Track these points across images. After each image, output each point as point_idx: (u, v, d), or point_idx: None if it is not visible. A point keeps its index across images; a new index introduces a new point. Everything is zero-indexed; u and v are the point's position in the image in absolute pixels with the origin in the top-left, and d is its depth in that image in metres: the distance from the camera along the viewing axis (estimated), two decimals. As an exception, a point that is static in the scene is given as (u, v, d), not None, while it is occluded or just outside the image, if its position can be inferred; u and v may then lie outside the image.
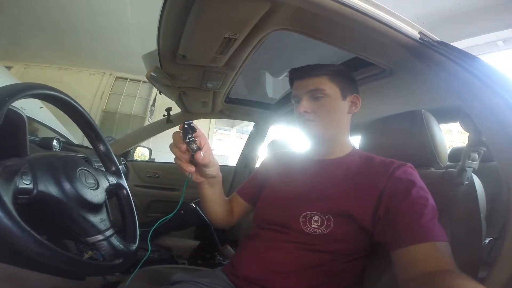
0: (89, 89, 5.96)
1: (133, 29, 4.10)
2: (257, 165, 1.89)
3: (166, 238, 1.48)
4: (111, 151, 0.66)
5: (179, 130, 0.55)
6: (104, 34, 4.51)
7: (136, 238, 0.61)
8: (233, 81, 1.12)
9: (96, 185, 0.53)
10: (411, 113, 0.71)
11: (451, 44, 0.59)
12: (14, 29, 4.41)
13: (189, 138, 0.53)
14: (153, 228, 0.58)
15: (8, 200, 0.34)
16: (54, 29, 4.43)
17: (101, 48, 5.04)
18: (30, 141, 0.56)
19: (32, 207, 0.41)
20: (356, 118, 0.71)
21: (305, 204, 0.61)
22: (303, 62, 0.70)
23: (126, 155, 1.76)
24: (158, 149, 2.29)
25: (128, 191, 0.67)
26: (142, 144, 1.90)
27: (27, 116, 0.56)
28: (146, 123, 5.91)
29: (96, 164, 0.87)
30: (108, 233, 0.51)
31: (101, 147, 0.65)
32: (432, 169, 0.69)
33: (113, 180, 0.62)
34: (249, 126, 4.36)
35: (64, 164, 0.48)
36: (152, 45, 0.90)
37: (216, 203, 0.70)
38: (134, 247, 0.58)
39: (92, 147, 0.65)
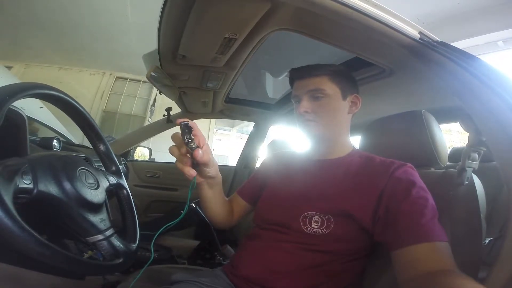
0: (89, 89, 5.96)
1: (134, 29, 4.11)
2: (257, 165, 1.89)
3: (166, 238, 1.48)
4: (111, 151, 0.66)
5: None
6: (105, 34, 4.52)
7: (136, 238, 0.61)
8: (233, 81, 1.12)
9: (96, 185, 0.53)
10: (411, 113, 0.71)
11: (451, 44, 0.59)
12: (15, 29, 4.41)
13: (187, 139, 0.52)
14: (157, 234, 0.57)
15: (8, 199, 0.34)
16: (54, 29, 4.44)
17: (101, 48, 5.05)
18: (30, 141, 0.56)
19: (32, 207, 0.41)
20: (356, 118, 0.71)
21: (305, 204, 0.61)
22: (303, 62, 0.70)
23: (126, 155, 1.76)
24: (158, 149, 2.29)
25: (128, 191, 0.67)
26: (142, 144, 1.90)
27: (27, 116, 0.56)
28: (146, 123, 5.91)
29: (96, 164, 0.87)
30: (108, 232, 0.51)
31: (101, 147, 0.65)
32: (432, 169, 0.69)
33: (113, 180, 0.62)
34: (249, 126, 4.36)
35: (65, 163, 0.49)
36: (152, 45, 0.90)
37: (216, 204, 0.70)
38: (134, 247, 0.58)
39: (92, 147, 0.65)
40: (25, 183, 0.39)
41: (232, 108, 1.56)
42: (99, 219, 0.51)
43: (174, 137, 0.55)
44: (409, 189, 0.53)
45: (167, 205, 1.79)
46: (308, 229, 0.58)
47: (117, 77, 6.26)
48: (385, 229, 0.53)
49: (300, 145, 1.21)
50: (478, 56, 0.56)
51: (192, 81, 1.10)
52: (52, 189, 0.44)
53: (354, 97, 0.69)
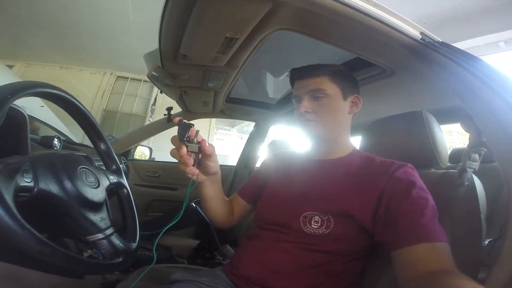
0: (90, 88, 5.97)
1: (135, 28, 4.11)
2: (258, 165, 1.89)
3: (166, 237, 1.48)
4: (112, 150, 0.66)
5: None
6: (105, 33, 4.52)
7: (136, 237, 0.61)
8: (234, 81, 1.12)
9: (97, 184, 0.53)
10: (412, 114, 0.71)
11: (452, 45, 0.59)
12: (16, 28, 4.42)
13: (187, 137, 0.52)
14: (159, 236, 0.57)
15: (9, 197, 0.34)
16: (55, 28, 4.45)
17: (102, 47, 5.05)
18: (31, 139, 0.57)
19: (33, 205, 0.41)
20: (356, 118, 0.71)
21: (305, 204, 0.61)
22: (304, 62, 0.70)
23: (127, 154, 1.76)
24: (158, 148, 2.30)
25: (129, 190, 0.67)
26: (142, 143, 1.91)
27: (28, 114, 0.56)
28: (147, 122, 5.92)
29: (96, 163, 0.87)
30: (108, 231, 0.51)
31: (102, 146, 0.65)
32: (433, 170, 0.69)
33: (113, 179, 0.62)
34: (249, 126, 4.37)
35: (65, 162, 0.49)
36: (153, 44, 0.90)
37: (216, 202, 0.70)
38: (134, 246, 0.58)
39: (93, 146, 0.65)
40: (26, 181, 0.39)
41: (233, 107, 1.56)
42: (99, 218, 0.51)
43: (173, 140, 0.55)
44: (409, 189, 0.53)
45: (167, 204, 1.79)
46: (308, 229, 0.58)
47: (118, 77, 6.26)
48: (385, 229, 0.53)
49: (300, 145, 1.22)
50: (479, 57, 0.56)
51: (193, 80, 1.10)
52: (52, 187, 0.44)
53: (354, 97, 0.69)
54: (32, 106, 1.57)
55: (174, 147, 0.56)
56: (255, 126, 1.92)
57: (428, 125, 0.68)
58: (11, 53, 5.28)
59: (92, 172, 0.54)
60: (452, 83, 0.56)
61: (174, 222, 0.57)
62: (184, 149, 0.53)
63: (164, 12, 0.69)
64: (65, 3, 3.85)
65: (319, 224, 0.57)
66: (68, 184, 0.46)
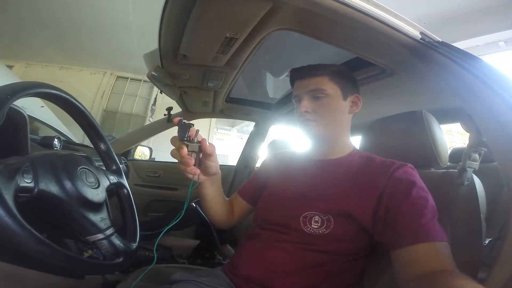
0: (90, 88, 5.98)
1: (135, 28, 4.11)
2: (258, 165, 1.89)
3: (166, 237, 1.48)
4: (112, 150, 0.66)
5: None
6: (105, 33, 4.53)
7: (136, 237, 0.61)
8: (234, 81, 1.12)
9: (97, 184, 0.53)
10: (412, 114, 0.71)
11: (452, 44, 0.59)
12: (16, 28, 4.42)
13: (187, 137, 0.52)
14: (159, 236, 0.57)
15: (9, 198, 0.34)
16: (55, 28, 4.45)
17: (102, 47, 5.06)
18: (31, 140, 0.56)
19: (33, 206, 0.41)
20: (356, 118, 0.71)
21: (305, 204, 0.61)
22: (304, 62, 0.70)
23: (127, 154, 1.76)
24: (158, 149, 2.29)
25: (129, 190, 0.67)
26: (142, 143, 1.90)
27: (28, 115, 0.56)
28: (147, 122, 5.92)
29: (96, 163, 0.87)
30: (109, 232, 0.51)
31: (102, 146, 0.65)
32: (433, 170, 0.69)
33: (113, 179, 0.62)
34: (249, 126, 4.36)
35: (65, 162, 0.49)
36: (153, 44, 0.90)
37: (216, 202, 0.70)
38: (134, 246, 0.58)
39: (93, 146, 0.65)
40: (26, 182, 0.39)
41: (233, 107, 1.56)
42: (100, 218, 0.51)
43: (173, 140, 0.55)
44: (409, 189, 0.53)
45: (167, 205, 1.79)
46: (308, 229, 0.58)
47: (118, 77, 6.27)
48: (385, 229, 0.53)
49: (300, 145, 1.21)
50: (479, 57, 0.56)
51: (193, 80, 1.10)
52: (52, 188, 0.44)
53: (354, 97, 0.69)
54: (32, 107, 1.57)
55: (174, 147, 0.56)
56: (255, 126, 1.92)
57: (428, 125, 0.68)
58: (11, 53, 5.28)
59: (92, 172, 0.54)
60: (452, 83, 0.56)
61: (175, 222, 0.57)
62: (185, 149, 0.53)
63: (164, 12, 0.69)
64: (65, 3, 3.85)
65: (319, 224, 0.57)
66: (68, 185, 0.46)
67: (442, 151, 0.68)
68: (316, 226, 0.57)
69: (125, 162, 1.66)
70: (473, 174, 0.59)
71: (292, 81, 0.71)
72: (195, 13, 0.65)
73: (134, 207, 0.66)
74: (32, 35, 4.69)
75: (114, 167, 0.66)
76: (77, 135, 1.97)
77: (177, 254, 1.35)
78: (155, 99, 6.22)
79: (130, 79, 6.28)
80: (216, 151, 0.59)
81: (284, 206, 0.64)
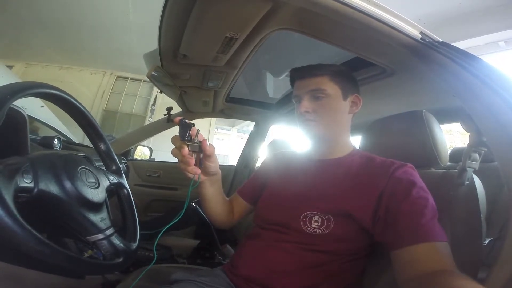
0: (90, 88, 5.98)
1: (135, 28, 4.11)
2: (258, 165, 1.89)
3: (166, 237, 1.48)
4: (112, 150, 0.66)
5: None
6: (105, 33, 4.53)
7: (136, 237, 0.61)
8: (234, 81, 1.12)
9: (97, 184, 0.53)
10: (412, 114, 0.71)
11: (452, 44, 0.59)
12: (16, 28, 4.42)
13: (188, 137, 0.52)
14: (159, 236, 0.57)
15: (9, 198, 0.34)
16: (55, 28, 4.45)
17: (102, 47, 5.06)
18: (30, 140, 0.56)
19: (33, 206, 0.41)
20: (356, 118, 0.71)
21: (305, 204, 0.61)
22: (304, 62, 0.70)
23: (127, 154, 1.76)
24: (158, 148, 2.29)
25: (129, 190, 0.67)
26: (142, 143, 1.90)
27: (28, 115, 0.56)
28: (147, 122, 5.92)
29: (96, 163, 0.87)
30: (109, 232, 0.51)
31: (102, 146, 0.65)
32: (433, 169, 0.69)
33: (113, 179, 0.62)
34: (249, 126, 4.36)
35: (65, 162, 0.49)
36: (153, 44, 0.90)
37: (216, 202, 0.70)
38: (134, 246, 0.58)
39: (92, 146, 0.65)
40: (26, 182, 0.39)
41: (233, 107, 1.56)
42: (100, 218, 0.51)
43: (174, 139, 0.55)
44: (409, 189, 0.53)
45: (167, 204, 1.79)
46: (308, 228, 0.58)
47: (118, 76, 6.27)
48: (385, 229, 0.53)
49: (300, 145, 1.21)
50: (479, 57, 0.56)
51: (193, 80, 1.10)
52: (52, 188, 0.44)
53: (355, 97, 0.69)
54: (32, 107, 1.57)
55: (175, 146, 0.56)
56: (255, 126, 1.92)
57: (428, 125, 0.68)
58: (11, 53, 5.28)
59: (92, 172, 0.54)
60: (452, 82, 0.56)
61: (175, 221, 0.57)
62: (186, 149, 0.53)
63: (164, 12, 0.69)
64: (65, 3, 3.85)
65: (319, 224, 0.57)
66: (68, 185, 0.46)
67: (442, 151, 0.68)
68: (316, 226, 0.57)
69: (125, 162, 1.66)
70: (473, 174, 0.59)
71: (292, 81, 0.71)
72: (195, 13, 0.65)
73: (134, 207, 0.66)
74: (32, 35, 4.69)
75: (114, 167, 0.66)
76: (77, 135, 1.97)
77: (177, 254, 1.35)
78: (155, 99, 6.22)
79: (130, 79, 6.28)
80: (216, 151, 0.60)
81: (284, 206, 0.64)
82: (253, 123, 1.93)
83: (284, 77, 1.23)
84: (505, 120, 0.46)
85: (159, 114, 5.35)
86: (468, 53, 0.56)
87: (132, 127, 5.79)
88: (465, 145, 0.59)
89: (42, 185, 0.42)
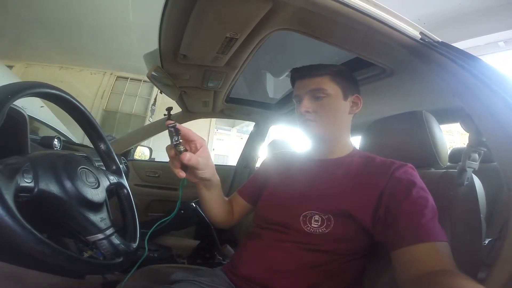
0: (90, 88, 5.98)
1: (135, 28, 4.11)
2: (258, 165, 1.89)
3: (166, 237, 1.49)
4: (112, 150, 0.66)
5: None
6: (106, 33, 4.53)
7: (136, 237, 0.61)
8: (234, 81, 1.12)
9: (97, 184, 0.53)
10: (412, 114, 0.71)
11: (452, 44, 0.59)
12: (16, 28, 4.42)
13: (175, 141, 0.53)
14: (151, 230, 0.58)
15: (9, 198, 0.34)
16: (55, 28, 4.45)
17: (102, 47, 5.06)
18: (30, 140, 0.56)
19: (33, 205, 0.41)
20: (356, 118, 0.71)
21: (305, 204, 0.61)
22: (304, 62, 0.70)
23: (127, 154, 1.76)
24: (158, 149, 2.29)
25: (129, 190, 0.67)
26: (142, 143, 1.90)
27: (28, 115, 0.56)
28: (147, 122, 5.92)
29: (96, 163, 0.87)
30: (109, 232, 0.51)
31: (102, 146, 0.65)
32: (433, 170, 0.69)
33: (113, 179, 0.62)
34: (249, 126, 4.37)
35: (65, 162, 0.49)
36: (153, 44, 0.90)
37: (214, 204, 0.70)
38: (134, 246, 0.58)
39: (92, 146, 0.65)
40: (26, 181, 0.39)
41: (233, 107, 1.56)
42: (100, 218, 0.51)
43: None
44: (409, 189, 0.53)
45: (167, 205, 1.79)
46: (308, 228, 0.58)
47: (118, 77, 6.27)
48: (385, 229, 0.53)
49: (300, 145, 1.21)
50: (479, 57, 0.56)
51: (193, 80, 1.10)
52: (53, 187, 0.44)
53: (355, 97, 0.69)
54: (32, 107, 1.58)
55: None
56: (255, 126, 1.92)
57: (428, 125, 0.68)
58: (11, 53, 5.28)
59: (92, 172, 0.54)
60: (451, 83, 0.56)
61: (168, 218, 0.59)
62: (172, 151, 0.54)
63: (164, 12, 0.69)
64: (65, 3, 3.85)
65: (319, 223, 0.57)
66: (68, 184, 0.46)
67: (442, 151, 0.68)
68: (316, 226, 0.57)
69: (125, 162, 1.66)
70: (473, 174, 0.59)
71: (293, 81, 0.71)
72: (195, 13, 0.65)
73: (134, 207, 0.66)
74: (32, 35, 4.69)
75: (114, 167, 0.66)
76: (77, 135, 1.98)
77: (177, 254, 1.36)
78: (155, 99, 6.21)
79: (130, 79, 6.28)
80: (213, 155, 0.59)
81: (284, 206, 0.64)
82: (253, 123, 1.93)
83: (284, 77, 1.23)
84: (504, 120, 0.46)
85: (159, 114, 5.35)
86: (468, 53, 0.56)
87: (132, 127, 5.79)
88: (465, 145, 0.59)
89: (43, 185, 0.42)
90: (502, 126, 0.47)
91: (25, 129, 0.54)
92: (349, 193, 0.59)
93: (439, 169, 0.69)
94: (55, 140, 1.02)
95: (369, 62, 0.77)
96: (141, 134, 1.81)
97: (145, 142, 1.95)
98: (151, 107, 6.23)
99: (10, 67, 5.14)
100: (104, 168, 0.65)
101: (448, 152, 0.73)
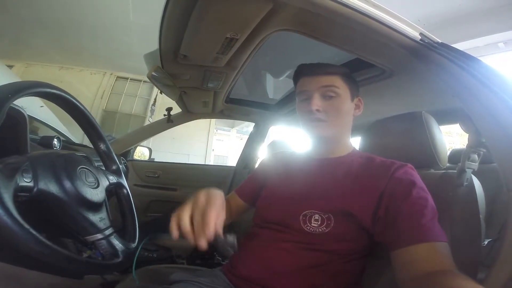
0: (90, 88, 5.98)
1: (135, 28, 4.12)
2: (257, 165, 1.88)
3: (165, 238, 1.48)
4: (112, 150, 0.66)
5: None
6: (106, 33, 4.53)
7: (136, 237, 0.61)
8: (234, 82, 1.12)
9: (96, 184, 0.53)
10: (411, 115, 0.71)
11: (452, 45, 0.59)
12: (16, 27, 4.42)
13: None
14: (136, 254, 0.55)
15: (8, 197, 0.34)
16: (55, 28, 4.45)
17: (102, 47, 5.06)
18: (30, 139, 0.56)
19: (32, 205, 0.41)
20: (356, 119, 0.71)
21: (305, 203, 0.60)
22: (304, 62, 0.70)
23: (126, 154, 1.76)
24: (158, 149, 2.29)
25: (128, 190, 0.67)
26: (142, 143, 1.90)
27: (28, 114, 0.56)
28: (147, 122, 5.92)
29: (96, 164, 0.87)
30: (108, 232, 0.51)
31: (102, 146, 0.65)
32: (432, 170, 0.69)
33: (113, 179, 0.62)
34: (249, 126, 4.37)
35: (65, 162, 0.49)
36: (153, 44, 0.90)
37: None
38: (133, 246, 0.58)
39: (92, 146, 0.65)
40: (26, 181, 0.39)
41: (233, 108, 1.56)
42: (99, 218, 0.51)
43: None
44: (410, 189, 0.53)
45: (166, 205, 1.79)
46: (308, 227, 0.57)
47: (118, 77, 6.28)
48: (385, 229, 0.53)
49: (300, 145, 1.21)
50: (479, 58, 0.56)
51: (193, 81, 1.10)
52: (52, 187, 0.44)
53: (358, 100, 0.69)
54: (31, 106, 1.58)
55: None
56: (254, 126, 1.92)
57: (428, 126, 0.68)
58: (11, 52, 5.28)
59: (91, 172, 0.54)
60: (451, 83, 0.57)
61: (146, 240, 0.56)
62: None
63: (165, 13, 0.69)
64: (65, 3, 3.85)
65: (319, 223, 0.57)
66: (67, 184, 0.46)
67: (441, 152, 0.68)
68: (316, 225, 0.57)
69: (125, 163, 1.66)
70: (472, 175, 0.59)
71: (298, 77, 0.69)
72: (195, 14, 0.65)
73: (133, 207, 0.66)
74: (32, 35, 4.69)
75: (113, 167, 0.66)
76: (76, 135, 1.97)
77: (176, 254, 1.35)
78: (155, 99, 6.20)
79: (130, 79, 6.28)
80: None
81: (284, 205, 0.64)
82: (253, 124, 1.93)
83: (284, 78, 1.23)
84: (504, 121, 0.46)
85: (159, 114, 5.35)
86: (467, 54, 0.56)
87: (132, 128, 5.79)
88: (464, 146, 0.59)
89: (42, 185, 0.42)
90: (501, 127, 0.47)
91: (24, 129, 0.54)
92: (349, 192, 0.59)
93: (438, 170, 0.69)
94: (55, 140, 1.02)
95: (369, 63, 0.77)
96: (140, 134, 1.81)
97: (144, 143, 1.95)
98: (151, 108, 6.23)
99: (10, 66, 5.14)
100: (104, 168, 0.65)
101: (448, 153, 0.73)
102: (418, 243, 0.46)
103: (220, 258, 1.30)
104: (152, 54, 0.99)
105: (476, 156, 0.58)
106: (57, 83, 0.50)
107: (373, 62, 0.76)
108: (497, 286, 0.40)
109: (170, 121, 1.59)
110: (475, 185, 0.59)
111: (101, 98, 6.08)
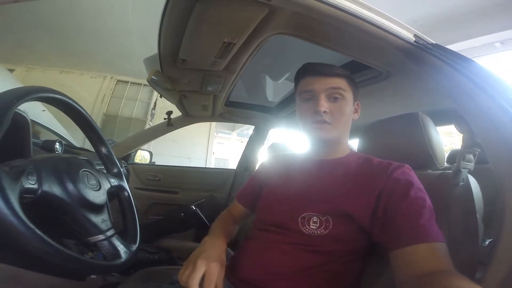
0: (90, 92, 6.00)
1: (135, 32, 4.14)
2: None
3: (166, 240, 1.49)
4: (113, 153, 0.67)
5: None
6: (106, 37, 4.55)
7: (137, 238, 0.62)
8: (232, 85, 1.13)
9: (98, 186, 0.54)
10: (408, 116, 0.72)
11: (449, 46, 0.60)
12: (17, 31, 4.44)
13: None
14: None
15: (14, 198, 0.35)
16: (56, 32, 4.48)
17: (102, 51, 5.08)
18: (32, 143, 0.57)
19: (36, 207, 0.42)
20: (354, 121, 0.72)
21: (303, 205, 0.61)
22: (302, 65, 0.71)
23: (127, 158, 1.77)
24: (158, 152, 2.30)
25: (129, 192, 0.68)
26: (143, 147, 1.91)
27: (30, 119, 0.57)
28: (147, 126, 5.93)
29: (97, 167, 0.88)
30: (109, 233, 0.52)
31: (103, 150, 0.66)
32: (429, 171, 0.70)
33: (114, 182, 0.63)
34: (249, 129, 4.37)
35: (68, 165, 0.50)
36: (153, 48, 0.91)
37: None
38: (134, 248, 0.58)
39: (93, 150, 0.66)
40: (30, 183, 0.40)
41: (232, 111, 1.57)
42: (101, 220, 0.51)
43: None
44: (408, 189, 0.53)
45: (167, 208, 1.80)
46: (307, 229, 0.58)
47: (118, 81, 6.30)
48: (384, 229, 0.53)
49: (300, 147, 1.22)
50: (475, 58, 0.57)
51: (192, 84, 1.11)
52: (55, 189, 0.45)
53: (357, 104, 0.70)
54: (33, 111, 1.59)
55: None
56: (254, 129, 1.92)
57: (424, 127, 0.68)
58: (12, 56, 5.30)
59: (93, 175, 0.55)
60: (445, 84, 0.57)
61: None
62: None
63: (163, 17, 0.70)
64: (67, 8, 3.88)
65: (317, 225, 0.57)
66: (70, 187, 0.47)
67: (438, 152, 0.69)
68: (314, 227, 0.57)
69: (126, 166, 1.66)
70: (468, 175, 0.60)
71: (303, 76, 0.68)
72: (193, 18, 0.66)
73: (135, 209, 0.67)
74: (33, 39, 4.72)
75: (115, 170, 0.67)
76: (77, 139, 1.99)
77: (177, 256, 1.36)
78: (155, 103, 6.23)
79: (130, 83, 6.30)
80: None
81: (283, 207, 0.64)
82: (252, 127, 1.94)
83: (283, 81, 1.24)
84: (497, 121, 0.47)
85: (159, 118, 5.37)
86: (461, 55, 0.57)
87: (132, 131, 5.79)
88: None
89: (46, 187, 0.43)
90: (495, 127, 0.47)
91: (27, 133, 0.55)
92: (347, 192, 0.59)
93: (436, 170, 0.69)
94: (57, 143, 1.03)
95: (366, 65, 0.78)
96: (141, 138, 1.81)
97: (145, 146, 1.96)
98: (151, 111, 6.24)
99: (11, 70, 5.16)
100: (105, 171, 0.66)
101: (447, 153, 0.74)
102: (416, 243, 0.47)
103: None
104: (151, 59, 1.00)
105: (471, 156, 0.58)
106: (57, 87, 0.51)
107: (369, 64, 0.77)
108: (494, 285, 0.41)
109: (170, 125, 1.60)
110: (471, 184, 0.59)
111: (102, 102, 6.09)
